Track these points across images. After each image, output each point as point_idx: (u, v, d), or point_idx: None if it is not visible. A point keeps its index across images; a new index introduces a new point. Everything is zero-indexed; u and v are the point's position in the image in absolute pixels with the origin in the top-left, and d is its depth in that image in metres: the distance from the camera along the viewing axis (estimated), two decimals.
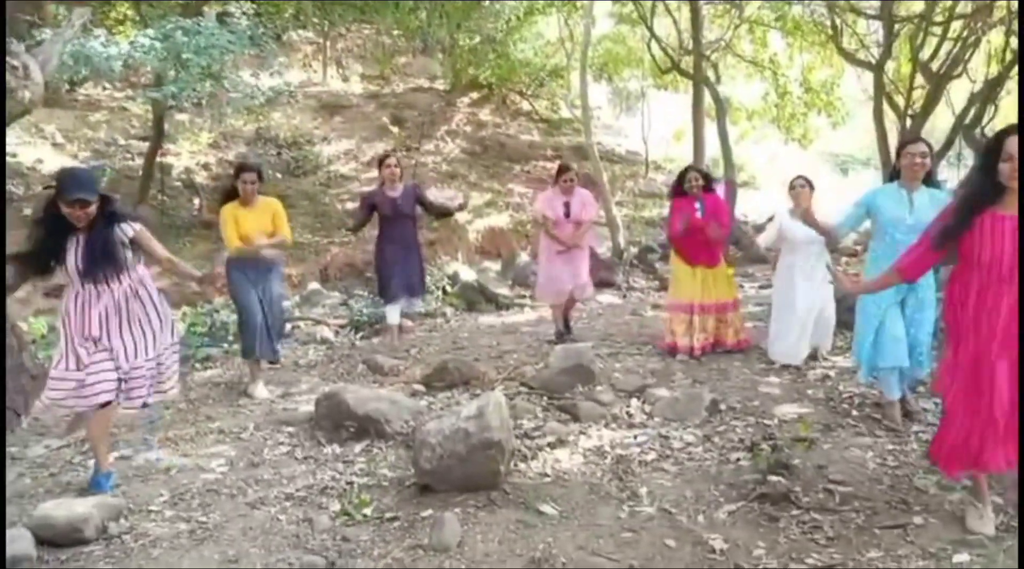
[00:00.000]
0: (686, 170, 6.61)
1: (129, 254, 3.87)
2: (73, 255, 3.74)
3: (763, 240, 6.34)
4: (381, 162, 6.93)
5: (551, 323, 7.50)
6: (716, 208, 6.43)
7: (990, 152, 3.22)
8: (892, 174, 4.67)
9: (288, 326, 8.21)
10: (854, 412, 4.84)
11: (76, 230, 3.74)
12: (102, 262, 3.74)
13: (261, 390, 5.79)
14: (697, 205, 6.33)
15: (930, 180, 4.55)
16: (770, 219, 6.85)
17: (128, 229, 3.85)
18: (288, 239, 5.94)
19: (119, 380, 3.86)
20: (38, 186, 12.92)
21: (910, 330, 4.51)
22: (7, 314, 5.04)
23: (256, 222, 5.72)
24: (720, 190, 6.64)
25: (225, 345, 7.32)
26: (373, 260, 7.03)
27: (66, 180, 3.68)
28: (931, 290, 4.55)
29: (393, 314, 7.13)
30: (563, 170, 6.94)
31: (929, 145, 4.60)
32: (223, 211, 5.75)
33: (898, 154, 4.61)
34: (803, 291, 5.88)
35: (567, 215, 6.81)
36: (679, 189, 6.48)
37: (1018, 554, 2.77)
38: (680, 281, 6.49)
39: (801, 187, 5.87)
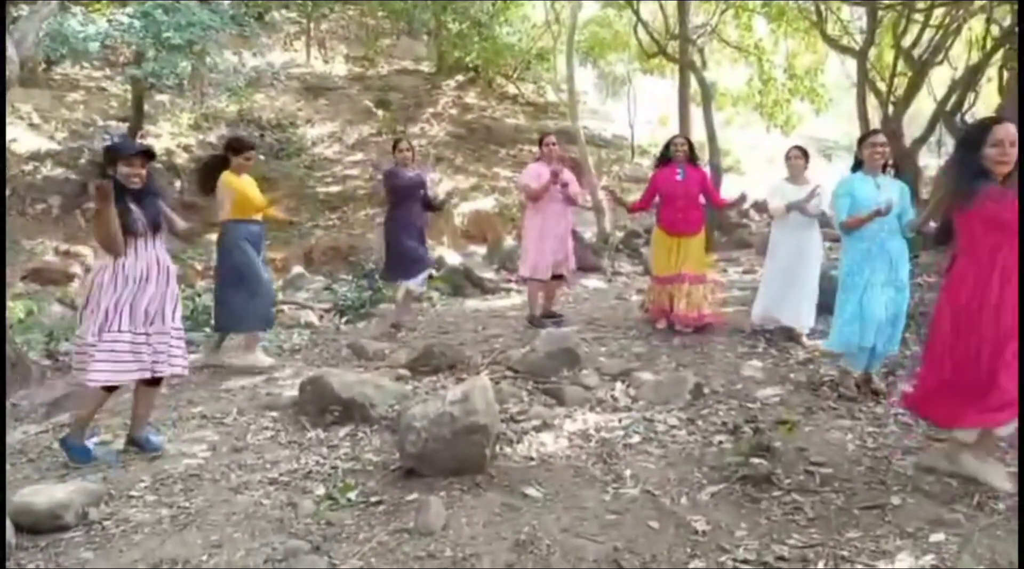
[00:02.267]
0: (672, 138, 6.80)
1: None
2: (140, 218, 3.93)
3: (774, 209, 6.24)
4: (395, 146, 6.96)
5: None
6: (701, 177, 6.57)
7: (976, 138, 3.38)
8: (855, 164, 4.91)
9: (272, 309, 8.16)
10: (835, 395, 4.88)
11: (128, 194, 3.91)
12: (153, 216, 4.02)
13: (264, 357, 6.01)
14: (679, 170, 6.44)
15: (898, 172, 4.97)
16: (753, 204, 6.98)
17: (163, 202, 4.16)
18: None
19: (143, 355, 3.97)
20: (14, 168, 12.77)
21: (891, 310, 4.68)
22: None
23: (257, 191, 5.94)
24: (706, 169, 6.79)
25: (207, 329, 7.26)
26: (385, 237, 6.83)
27: (121, 142, 4.09)
28: (908, 274, 4.78)
29: (414, 285, 6.91)
30: (544, 137, 7.15)
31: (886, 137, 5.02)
32: (230, 180, 5.69)
33: (859, 145, 4.90)
34: (790, 260, 6.07)
35: (555, 181, 6.79)
36: (664, 158, 6.60)
37: (1018, 555, 2.80)
38: (659, 257, 6.57)
39: (796, 158, 6.21)
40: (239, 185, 5.70)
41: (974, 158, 3.39)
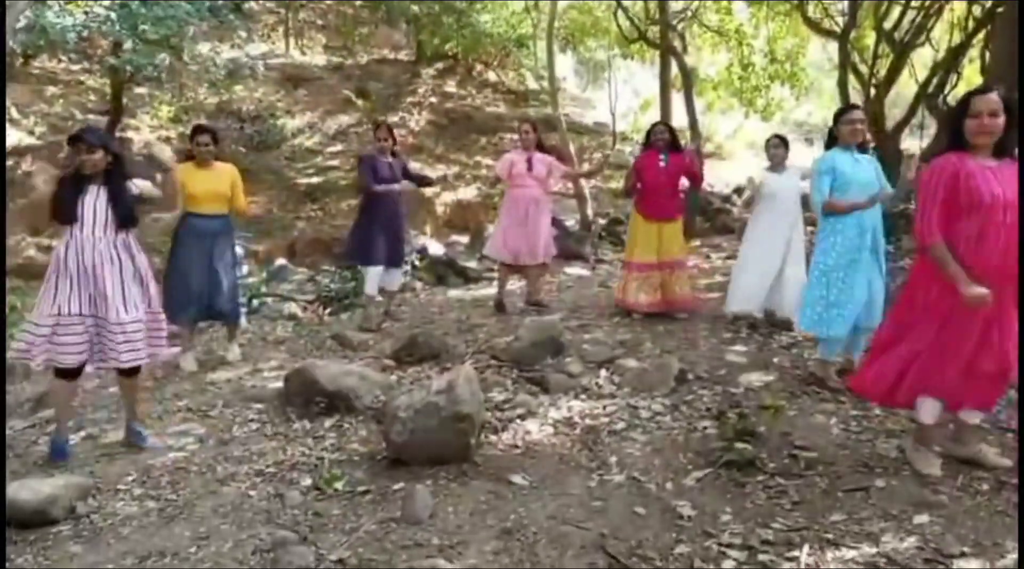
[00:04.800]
0: (654, 125, 6.84)
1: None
2: (92, 203, 3.92)
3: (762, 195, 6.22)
4: (377, 129, 6.97)
5: (520, 296, 7.51)
6: (683, 163, 6.60)
7: (957, 112, 3.37)
8: (830, 140, 4.85)
9: (255, 301, 8.13)
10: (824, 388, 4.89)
11: (91, 181, 3.93)
12: (124, 211, 3.99)
13: (190, 362, 5.69)
14: (661, 157, 6.51)
15: (881, 156, 4.86)
16: (736, 190, 7.00)
17: (135, 186, 4.12)
18: (244, 209, 5.94)
19: (89, 343, 3.91)
20: None
21: (875, 286, 4.68)
22: None
23: (210, 185, 5.56)
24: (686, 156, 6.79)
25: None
26: (357, 223, 6.78)
27: (77, 130, 4.02)
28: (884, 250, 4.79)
29: (373, 281, 6.76)
30: (521, 124, 7.29)
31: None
32: (176, 170, 5.50)
33: (836, 121, 4.81)
34: (770, 243, 6.04)
35: (529, 169, 6.89)
36: (647, 144, 6.64)
37: (1018, 556, 2.83)
38: (638, 241, 6.61)
39: (776, 147, 6.24)
40: (177, 177, 5.41)
41: (955, 134, 3.35)
